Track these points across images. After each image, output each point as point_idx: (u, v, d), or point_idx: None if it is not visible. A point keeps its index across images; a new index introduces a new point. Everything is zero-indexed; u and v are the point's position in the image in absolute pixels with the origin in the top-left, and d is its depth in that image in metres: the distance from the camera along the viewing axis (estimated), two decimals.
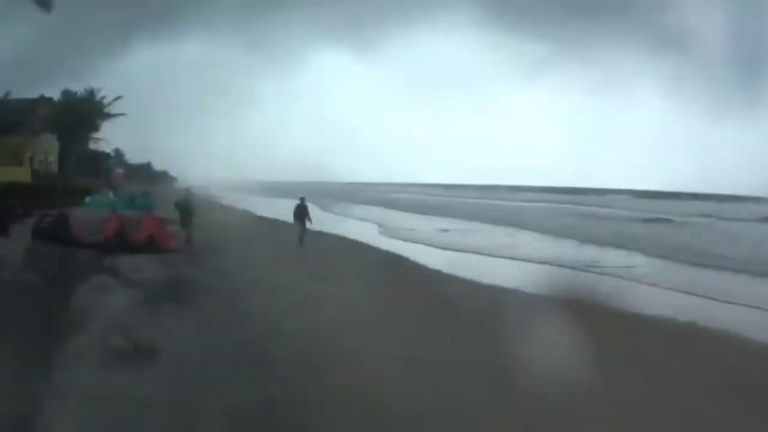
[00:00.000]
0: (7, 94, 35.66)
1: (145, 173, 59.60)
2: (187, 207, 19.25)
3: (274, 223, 27.92)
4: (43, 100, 38.34)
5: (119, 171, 56.85)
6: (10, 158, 31.65)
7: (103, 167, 49.18)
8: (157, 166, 64.20)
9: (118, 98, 46.69)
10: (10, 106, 34.32)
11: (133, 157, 60.83)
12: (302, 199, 20.58)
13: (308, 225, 20.28)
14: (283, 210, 31.90)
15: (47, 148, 38.12)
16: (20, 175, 30.62)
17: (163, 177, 63.32)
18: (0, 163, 30.62)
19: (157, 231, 16.97)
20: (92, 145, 48.79)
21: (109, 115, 48.57)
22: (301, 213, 20.24)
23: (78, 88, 44.33)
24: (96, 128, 46.26)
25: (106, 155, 53.61)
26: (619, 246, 23.17)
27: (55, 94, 43.07)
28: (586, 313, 10.27)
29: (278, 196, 50.02)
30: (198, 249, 17.43)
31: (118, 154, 58.45)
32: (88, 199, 33.09)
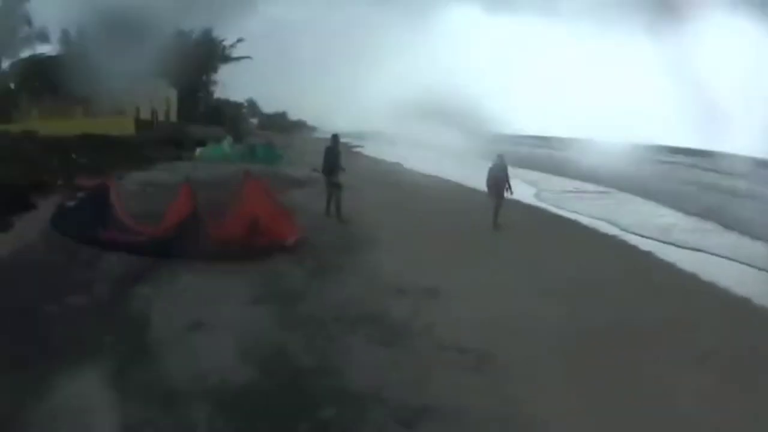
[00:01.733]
0: None
1: (280, 123, 56.51)
2: (334, 159, 14.15)
3: (440, 184, 22.41)
4: None
5: (253, 120, 54.42)
6: (109, 107, 28.58)
7: (231, 116, 46.40)
8: (293, 115, 60.46)
9: (239, 41, 42.88)
10: None
11: (267, 106, 57.64)
12: (501, 159, 14.32)
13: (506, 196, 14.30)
14: (443, 166, 28.55)
15: (161, 96, 35.23)
16: (121, 125, 27.62)
17: (298, 126, 59.67)
18: (98, 113, 27.71)
19: (264, 209, 10.83)
20: (218, 93, 46.11)
21: (230, 58, 45.25)
22: (498, 180, 14.11)
23: (192, 27, 40.72)
24: (213, 71, 43.12)
25: (237, 105, 51.10)
26: None
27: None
28: None
29: (423, 147, 45.66)
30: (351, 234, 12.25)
31: (251, 103, 55.75)
32: (198, 151, 29.87)
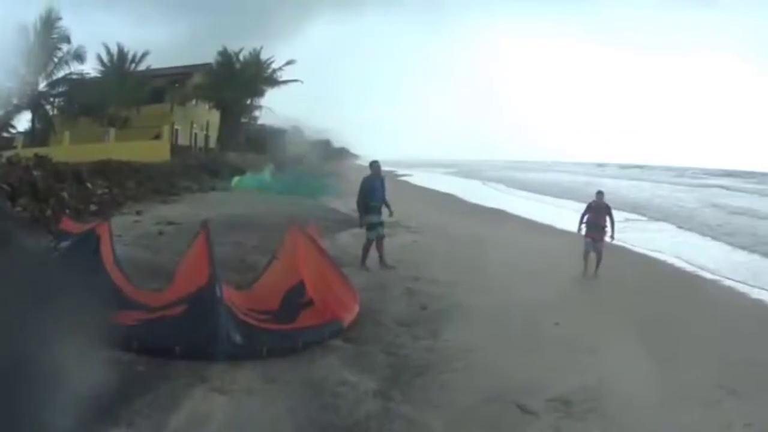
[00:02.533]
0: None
1: (324, 151, 54.18)
2: (374, 193, 11.09)
3: (507, 220, 19.80)
4: (199, 67, 33.00)
5: (296, 148, 52.34)
6: (147, 131, 26.41)
7: (274, 143, 44.02)
8: (336, 142, 57.96)
9: (290, 62, 40.31)
10: (160, 74, 29.27)
11: (311, 133, 55.29)
12: (600, 196, 11.75)
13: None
14: (500, 197, 27.80)
15: (202, 120, 33.01)
16: (156, 151, 25.34)
17: (342, 154, 57.16)
18: (134, 137, 25.53)
19: (313, 270, 7.79)
20: (261, 118, 43.80)
21: (278, 82, 42.88)
22: (598, 220, 11.46)
23: (238, 47, 38.36)
24: (260, 94, 40.78)
25: (281, 131, 48.90)
26: None
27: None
28: None
29: (464, 175, 43.43)
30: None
31: (297, 130, 53.56)
32: (235, 179, 27.40)
